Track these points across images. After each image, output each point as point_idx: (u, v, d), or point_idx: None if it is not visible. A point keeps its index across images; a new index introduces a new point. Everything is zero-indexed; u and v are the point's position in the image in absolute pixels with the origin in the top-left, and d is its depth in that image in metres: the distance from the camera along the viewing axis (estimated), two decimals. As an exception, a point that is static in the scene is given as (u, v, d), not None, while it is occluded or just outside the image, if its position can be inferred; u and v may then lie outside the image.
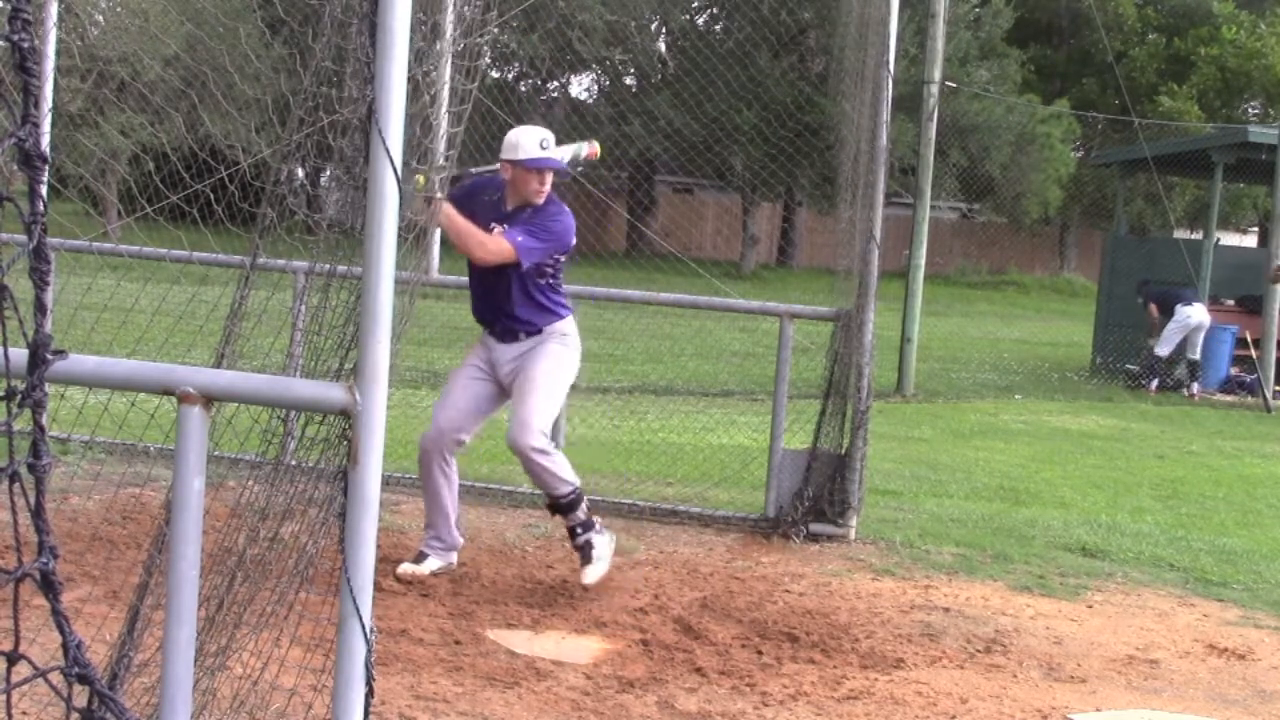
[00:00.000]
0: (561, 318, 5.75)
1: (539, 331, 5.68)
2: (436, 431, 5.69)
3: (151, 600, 3.19)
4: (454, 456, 5.78)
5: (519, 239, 5.48)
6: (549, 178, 5.60)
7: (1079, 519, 7.98)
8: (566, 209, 5.71)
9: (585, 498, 5.72)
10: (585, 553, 5.61)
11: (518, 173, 5.55)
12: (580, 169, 5.90)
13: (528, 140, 5.54)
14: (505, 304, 5.65)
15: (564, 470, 5.56)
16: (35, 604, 1.64)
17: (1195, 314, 16.12)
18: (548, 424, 5.62)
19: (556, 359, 5.68)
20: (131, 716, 1.67)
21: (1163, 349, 16.25)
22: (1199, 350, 16.25)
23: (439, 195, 5.38)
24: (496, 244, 5.48)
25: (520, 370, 5.65)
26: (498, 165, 5.72)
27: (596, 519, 5.76)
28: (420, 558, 5.73)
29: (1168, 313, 16.24)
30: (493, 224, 5.58)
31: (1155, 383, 16.23)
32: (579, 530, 5.63)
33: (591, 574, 5.59)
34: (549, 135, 5.58)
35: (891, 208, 9.66)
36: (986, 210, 38.08)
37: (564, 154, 5.82)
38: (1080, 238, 40.94)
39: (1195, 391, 16.05)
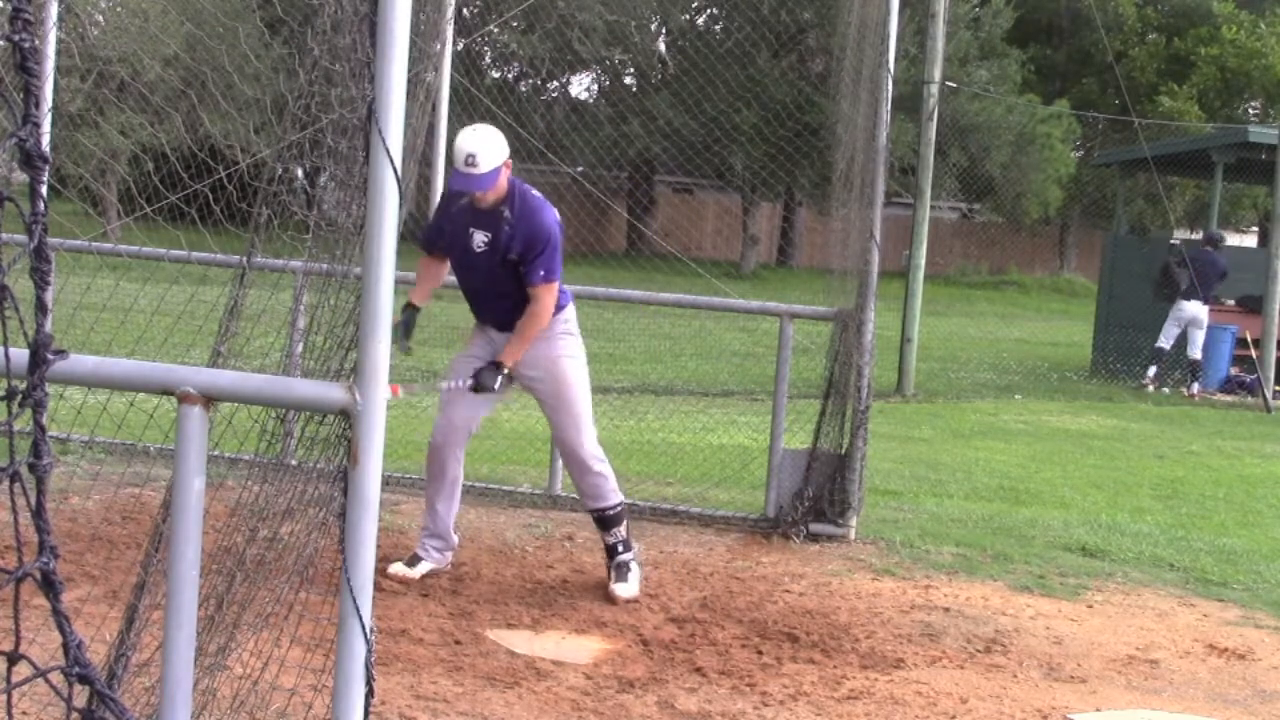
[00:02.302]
0: (563, 306, 5.67)
1: None
2: (449, 425, 5.65)
3: (149, 600, 3.19)
4: (463, 451, 5.78)
5: (542, 273, 5.39)
6: (480, 197, 5.33)
7: (1079, 519, 7.98)
8: (540, 200, 5.50)
9: (627, 515, 5.84)
10: (620, 571, 5.69)
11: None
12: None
13: (456, 154, 5.25)
14: (514, 299, 5.53)
15: (615, 482, 5.72)
16: (35, 604, 1.64)
17: (1189, 309, 16.21)
18: (594, 429, 5.71)
19: (576, 359, 5.68)
20: (131, 716, 1.67)
21: (1163, 341, 16.37)
22: (1199, 349, 16.28)
23: (497, 387, 5.47)
24: (543, 306, 5.44)
25: (548, 381, 5.62)
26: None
27: (635, 543, 5.88)
28: (414, 560, 5.71)
29: (1171, 286, 16.30)
30: (473, 230, 5.45)
31: (1153, 370, 16.29)
32: (621, 548, 5.72)
33: (627, 590, 5.63)
34: (480, 151, 5.22)
35: (891, 208, 9.68)
36: (986, 210, 38.07)
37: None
38: (1080, 238, 40.93)
39: (1195, 391, 16.06)
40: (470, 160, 5.20)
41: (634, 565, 5.75)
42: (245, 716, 3.39)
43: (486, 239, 5.46)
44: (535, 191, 5.57)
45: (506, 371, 5.49)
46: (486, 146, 5.23)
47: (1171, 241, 16.95)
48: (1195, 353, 16.28)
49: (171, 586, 2.44)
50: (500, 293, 5.56)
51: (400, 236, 2.43)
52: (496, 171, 5.28)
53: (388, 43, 2.35)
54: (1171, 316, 16.32)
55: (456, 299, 6.11)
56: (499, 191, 5.37)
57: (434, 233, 5.69)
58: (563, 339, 5.67)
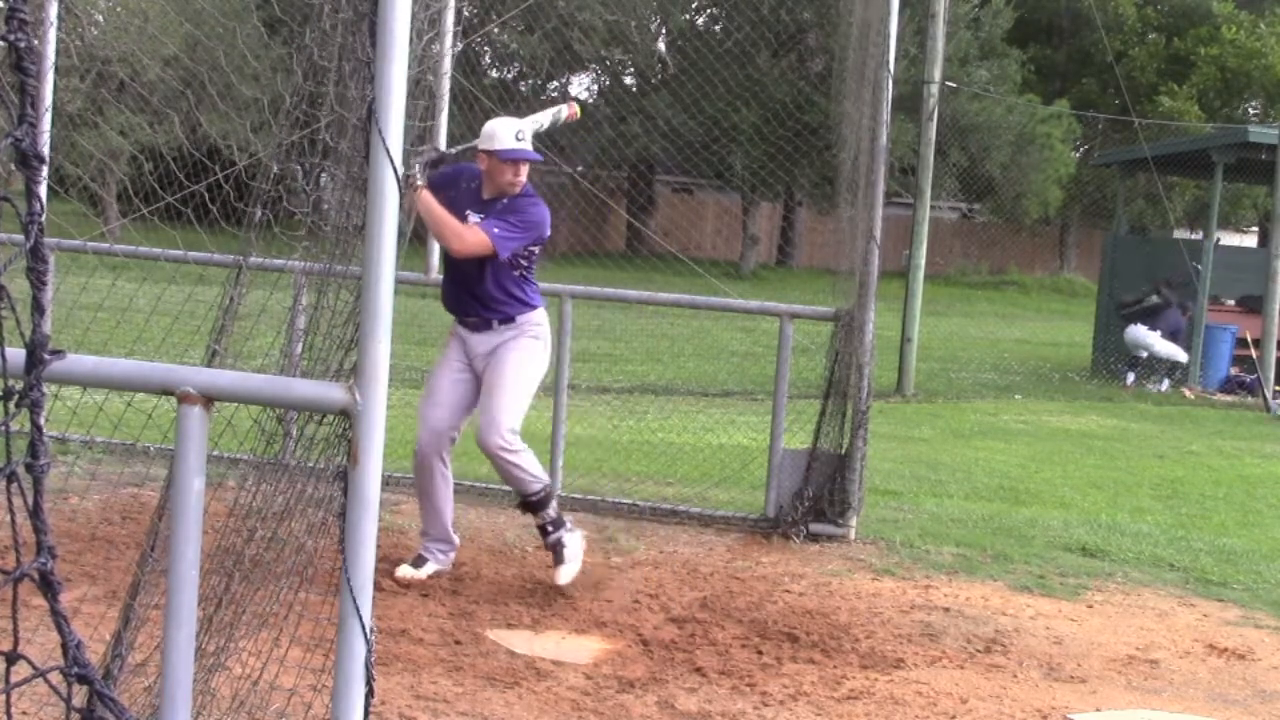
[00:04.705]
0: (534, 308, 5.77)
1: (512, 321, 5.69)
2: (431, 434, 5.70)
3: (147, 599, 3.18)
4: (449, 455, 5.79)
5: (495, 230, 5.52)
6: (524, 169, 5.64)
7: (1079, 519, 7.97)
8: (540, 200, 5.74)
9: (555, 495, 5.80)
10: (558, 552, 5.65)
11: (493, 163, 5.61)
12: (557, 126, 5.96)
13: (503, 131, 5.58)
14: (479, 294, 5.68)
15: (533, 467, 5.61)
16: (35, 603, 1.64)
17: (1128, 333, 16.77)
18: (517, 421, 5.60)
19: (528, 352, 5.71)
20: (130, 716, 1.66)
21: (1134, 352, 16.74)
22: (1180, 355, 16.57)
23: (419, 182, 5.44)
24: (474, 235, 5.52)
25: (490, 365, 5.68)
26: (475, 142, 5.81)
27: (567, 518, 5.79)
28: (420, 561, 5.72)
29: (1150, 314, 16.66)
30: (468, 211, 5.64)
31: (1131, 376, 16.49)
32: (550, 528, 5.66)
33: (565, 574, 5.62)
34: (525, 127, 5.62)
35: (891, 208, 9.67)
36: (986, 210, 38.05)
37: (543, 119, 5.90)
38: (1080, 238, 40.92)
39: (1164, 387, 16.33)
40: (520, 135, 5.60)
41: (567, 538, 5.65)
42: (245, 716, 3.38)
43: (478, 220, 5.62)
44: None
45: (410, 182, 5.45)
46: (527, 127, 5.67)
47: (1169, 283, 17.14)
48: (1179, 359, 16.49)
49: (171, 586, 2.44)
50: (475, 280, 5.66)
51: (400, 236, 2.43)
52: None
53: (388, 43, 2.34)
54: (1125, 339, 16.85)
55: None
56: (532, 158, 5.68)
57: (441, 182, 5.74)
58: (526, 339, 5.72)
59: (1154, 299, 16.81)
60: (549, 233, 5.77)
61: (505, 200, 5.64)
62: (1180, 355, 16.46)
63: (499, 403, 5.56)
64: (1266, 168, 16.55)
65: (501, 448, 5.49)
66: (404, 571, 5.65)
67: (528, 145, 5.62)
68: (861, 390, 6.90)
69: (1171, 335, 16.56)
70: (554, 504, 5.72)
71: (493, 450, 5.51)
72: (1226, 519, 8.51)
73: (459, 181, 5.76)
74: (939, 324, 22.31)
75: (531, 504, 5.66)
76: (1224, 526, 8.22)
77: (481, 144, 5.64)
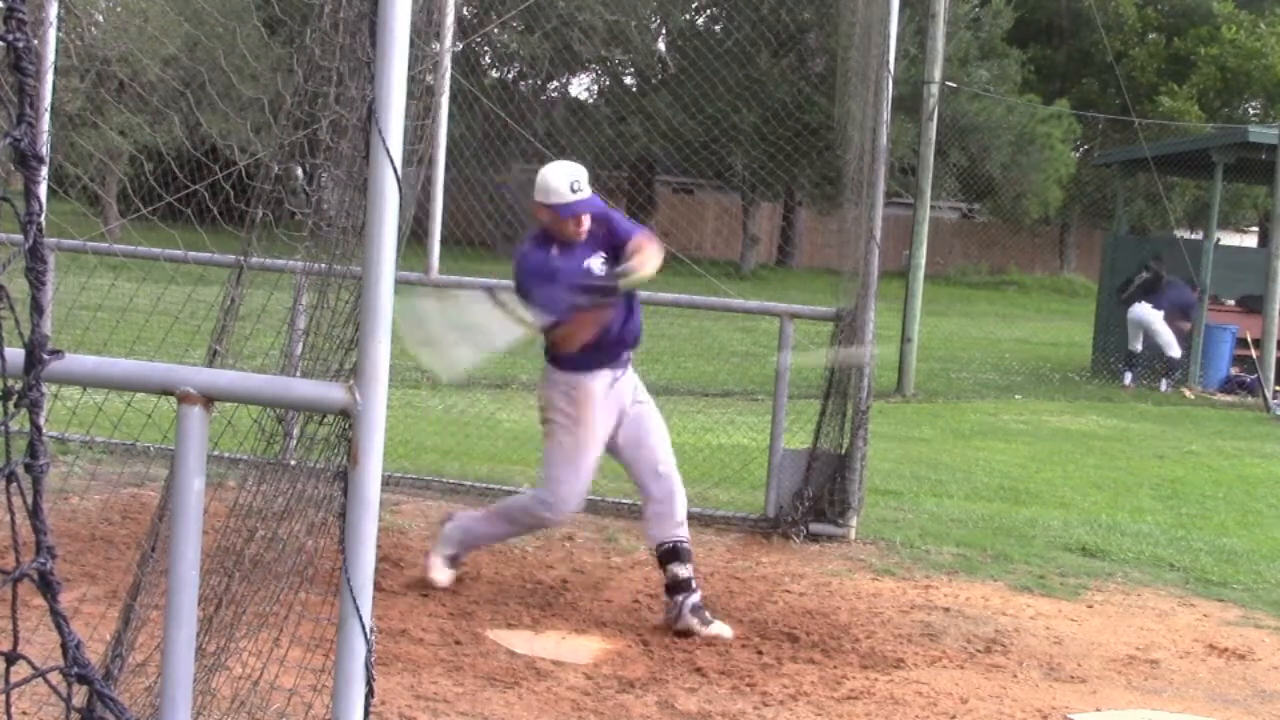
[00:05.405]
0: (639, 339, 5.56)
1: (637, 342, 5.50)
2: (566, 509, 5.42)
3: (148, 599, 3.18)
4: None
5: (638, 231, 5.28)
6: (586, 219, 5.21)
7: (1079, 519, 7.97)
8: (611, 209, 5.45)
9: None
10: (701, 615, 5.28)
11: (553, 217, 5.21)
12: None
13: (558, 182, 5.16)
14: (626, 329, 5.37)
15: None
16: (34, 604, 1.64)
17: (1133, 311, 16.67)
18: None
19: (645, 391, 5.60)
20: (130, 715, 1.66)
21: (1134, 344, 16.74)
22: (1173, 349, 16.52)
23: (567, 316, 5.14)
24: (654, 246, 5.20)
25: (642, 415, 5.50)
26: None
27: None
28: (455, 561, 5.64)
29: (1150, 290, 16.67)
30: (586, 263, 5.24)
31: (1129, 376, 16.49)
32: (694, 584, 5.34)
33: (724, 627, 5.29)
34: (580, 175, 5.20)
35: (891, 208, 9.67)
36: (986, 210, 38.05)
37: (515, 312, 5.32)
38: (1080, 238, 40.93)
39: (1165, 387, 16.24)
40: (576, 185, 5.16)
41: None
42: (245, 716, 3.39)
43: (601, 257, 5.27)
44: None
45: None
46: (580, 171, 5.24)
47: (1158, 257, 17.13)
48: (1171, 352, 16.45)
49: (171, 586, 2.44)
50: (620, 317, 5.33)
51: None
52: (594, 193, 5.29)
53: (388, 43, 2.34)
54: (1129, 321, 16.71)
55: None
56: (594, 207, 5.25)
57: (541, 275, 5.25)
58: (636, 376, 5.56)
59: (1144, 274, 16.80)
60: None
61: (589, 225, 5.25)
62: (1174, 348, 16.41)
63: (667, 447, 5.55)
64: (1266, 168, 16.54)
65: (678, 481, 5.48)
66: (438, 575, 5.55)
67: (585, 193, 5.16)
68: (861, 390, 6.90)
69: (1182, 311, 16.45)
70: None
71: (678, 478, 5.48)
72: (1226, 519, 8.51)
73: (547, 263, 5.25)
74: (939, 324, 22.30)
75: (686, 549, 5.36)
76: (1224, 526, 8.22)
77: (536, 196, 5.22)
